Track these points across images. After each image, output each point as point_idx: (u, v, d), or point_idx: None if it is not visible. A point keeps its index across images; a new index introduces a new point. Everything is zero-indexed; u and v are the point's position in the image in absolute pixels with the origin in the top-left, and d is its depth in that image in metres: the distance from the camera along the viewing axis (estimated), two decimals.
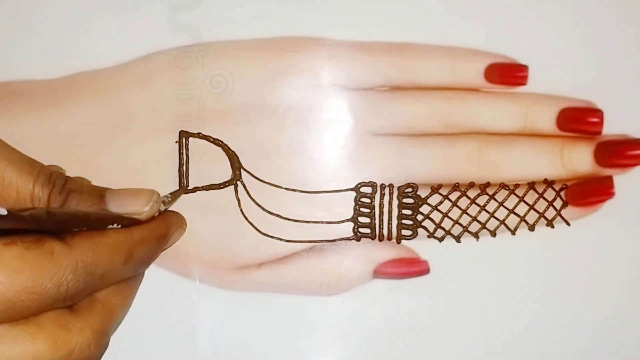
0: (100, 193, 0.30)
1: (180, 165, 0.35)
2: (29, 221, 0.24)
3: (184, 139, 0.35)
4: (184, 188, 0.35)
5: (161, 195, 0.31)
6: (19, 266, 0.23)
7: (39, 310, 0.24)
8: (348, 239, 0.36)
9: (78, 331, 0.25)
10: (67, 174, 0.33)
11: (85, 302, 0.27)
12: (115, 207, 0.29)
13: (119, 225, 0.28)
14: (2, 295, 0.23)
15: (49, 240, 0.25)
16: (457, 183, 0.35)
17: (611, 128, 0.35)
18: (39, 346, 0.24)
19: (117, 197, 0.30)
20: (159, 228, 0.31)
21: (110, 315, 0.28)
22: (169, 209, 0.33)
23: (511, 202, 0.35)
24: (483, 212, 0.35)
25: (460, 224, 0.35)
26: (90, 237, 0.26)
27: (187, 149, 0.35)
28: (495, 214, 0.35)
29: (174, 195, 0.34)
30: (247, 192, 0.35)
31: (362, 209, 0.35)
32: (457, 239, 0.35)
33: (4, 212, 0.22)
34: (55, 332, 0.25)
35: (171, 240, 0.33)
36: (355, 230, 0.36)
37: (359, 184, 0.35)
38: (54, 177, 0.29)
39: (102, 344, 0.27)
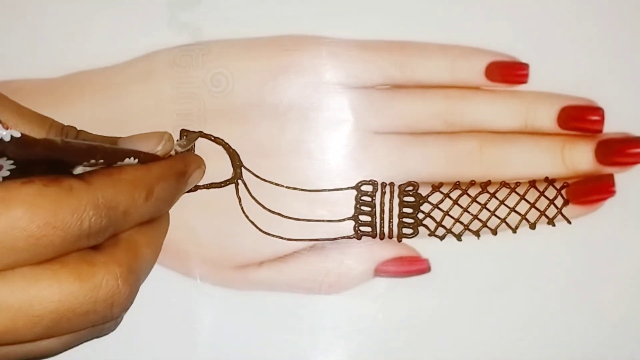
0: (112, 141, 0.30)
1: None
2: (43, 146, 0.23)
3: (184, 138, 0.35)
4: (199, 132, 0.35)
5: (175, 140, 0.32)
6: (38, 201, 0.23)
7: (63, 248, 0.24)
8: (349, 237, 0.36)
9: (102, 265, 0.25)
10: None
11: (109, 242, 0.26)
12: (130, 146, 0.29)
13: (136, 160, 0.28)
14: (24, 231, 0.23)
15: (67, 178, 0.24)
16: (458, 181, 0.35)
17: (612, 126, 0.35)
18: (64, 281, 0.24)
19: (129, 141, 0.30)
20: (177, 165, 0.31)
21: (136, 252, 0.28)
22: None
23: (512, 200, 0.35)
24: (484, 210, 0.35)
25: (461, 223, 0.35)
26: (109, 174, 0.26)
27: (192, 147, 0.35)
28: (496, 212, 0.35)
29: (189, 139, 0.34)
30: (248, 191, 0.35)
31: (363, 208, 0.35)
32: (458, 237, 0.35)
33: (18, 134, 0.22)
34: (79, 266, 0.24)
35: (191, 180, 0.33)
36: (356, 228, 0.36)
37: (360, 182, 0.35)
38: (66, 130, 0.29)
39: (130, 280, 0.26)
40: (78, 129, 0.31)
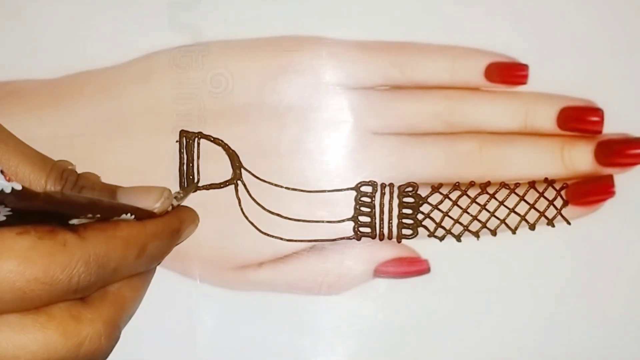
0: (112, 190, 0.30)
1: (181, 164, 0.35)
2: (43, 200, 0.23)
3: (184, 139, 0.35)
4: (195, 184, 0.35)
5: (172, 192, 0.31)
6: (31, 256, 0.23)
7: (50, 301, 0.24)
8: (348, 238, 0.36)
9: (89, 322, 0.25)
10: None
11: (96, 294, 0.27)
12: (127, 203, 0.29)
13: (132, 216, 0.28)
14: (13, 284, 0.23)
15: (62, 231, 0.24)
16: (458, 182, 0.35)
17: (611, 127, 0.35)
18: (49, 335, 0.24)
19: (128, 194, 0.30)
20: (172, 223, 0.31)
21: (122, 307, 0.28)
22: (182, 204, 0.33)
23: (512, 201, 0.35)
24: (483, 211, 0.35)
25: (460, 223, 0.35)
26: (104, 230, 0.26)
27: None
28: (495, 213, 0.35)
29: (186, 191, 0.34)
30: (248, 192, 0.35)
31: (363, 208, 0.35)
32: (458, 238, 0.35)
33: (19, 187, 0.22)
34: (65, 322, 0.25)
35: (184, 235, 0.33)
36: (356, 229, 0.36)
37: (360, 183, 0.35)
38: (66, 174, 0.29)
39: (113, 336, 0.26)
40: (78, 172, 0.31)
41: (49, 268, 0.23)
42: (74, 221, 0.25)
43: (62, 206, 0.24)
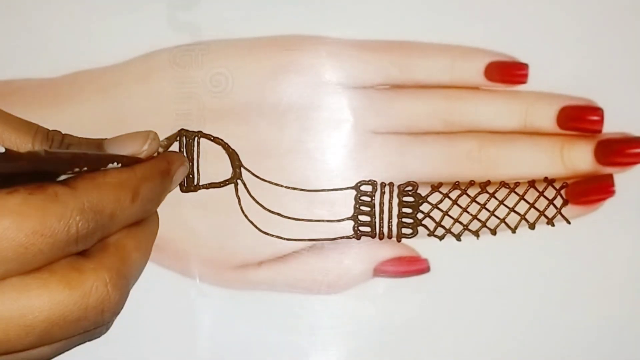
0: (98, 143, 0.30)
1: None
2: (27, 159, 0.23)
3: (184, 138, 0.35)
4: (179, 131, 0.35)
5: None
6: (25, 210, 0.23)
7: (52, 255, 0.24)
8: (348, 237, 0.36)
9: (91, 271, 0.25)
10: None
11: (97, 247, 0.26)
12: (115, 151, 0.29)
13: (119, 164, 0.28)
14: (12, 240, 0.23)
15: (52, 185, 0.24)
16: (458, 181, 0.35)
17: (611, 126, 0.35)
18: (53, 289, 0.24)
19: (115, 142, 0.30)
20: (161, 164, 0.31)
21: (125, 256, 0.28)
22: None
23: (511, 200, 0.35)
24: (483, 210, 0.35)
25: (460, 223, 0.35)
26: (93, 178, 0.26)
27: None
28: (495, 212, 0.35)
29: (169, 139, 0.35)
30: (248, 191, 0.35)
31: (363, 208, 0.35)
32: (458, 237, 0.35)
33: (2, 149, 0.22)
34: (68, 274, 0.24)
35: (175, 178, 0.33)
36: (356, 228, 0.36)
37: (359, 182, 0.35)
38: (51, 134, 0.29)
39: (119, 285, 0.26)
40: (63, 132, 0.31)
41: (45, 219, 0.23)
42: (62, 178, 0.25)
43: (48, 163, 0.24)
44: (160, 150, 0.32)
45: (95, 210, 0.25)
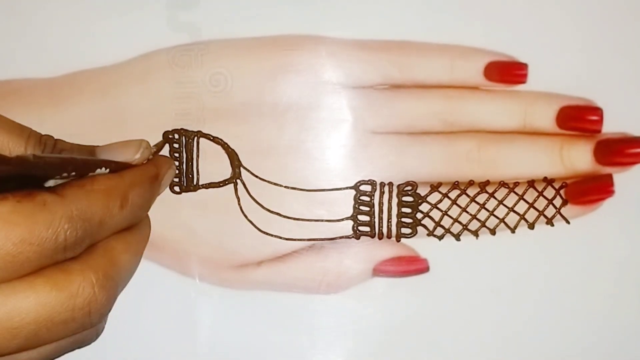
0: (91, 150, 0.30)
1: (180, 163, 0.35)
2: (16, 164, 0.23)
3: (183, 138, 0.35)
4: (164, 140, 0.35)
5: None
6: (13, 219, 0.23)
7: (40, 263, 0.24)
8: (348, 237, 0.36)
9: (78, 272, 0.25)
10: None
11: (85, 250, 0.26)
12: (107, 158, 0.29)
13: (107, 170, 0.28)
14: (0, 249, 0.23)
15: (40, 192, 0.24)
16: (457, 181, 0.35)
17: (611, 126, 0.35)
18: (40, 291, 0.24)
19: (108, 149, 0.30)
20: (149, 169, 0.31)
21: (112, 258, 0.27)
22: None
23: (511, 200, 0.35)
24: (483, 210, 0.35)
25: (459, 222, 0.35)
26: (82, 185, 0.26)
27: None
28: (494, 212, 0.35)
29: (157, 146, 0.34)
30: (247, 191, 0.35)
31: (362, 208, 0.35)
32: (457, 237, 0.35)
33: None
34: (54, 275, 0.24)
35: (164, 182, 0.32)
36: (355, 228, 0.36)
37: (359, 182, 0.35)
38: (44, 139, 0.29)
39: (107, 287, 0.26)
40: (58, 135, 0.31)
41: (33, 228, 0.23)
42: (50, 183, 0.25)
43: (36, 168, 0.24)
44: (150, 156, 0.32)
45: (83, 218, 0.25)
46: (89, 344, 0.28)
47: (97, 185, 0.26)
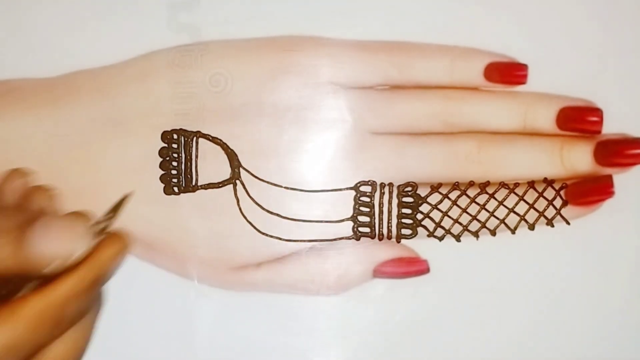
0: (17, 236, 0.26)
1: (179, 163, 0.35)
2: None
3: (182, 138, 0.35)
4: (123, 199, 0.30)
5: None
6: None
7: None
8: (348, 238, 0.35)
9: None
10: (66, 173, 0.33)
11: None
12: (39, 246, 0.26)
13: (37, 282, 0.25)
14: None
15: None
16: (457, 182, 0.35)
17: (611, 127, 0.35)
18: None
19: (39, 236, 0.26)
20: (88, 274, 0.26)
21: None
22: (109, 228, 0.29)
23: (511, 201, 0.35)
24: (483, 211, 0.35)
25: (460, 223, 0.35)
26: (12, 312, 0.24)
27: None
28: (495, 213, 0.35)
29: (114, 210, 0.29)
30: (246, 191, 0.35)
31: (362, 208, 0.35)
32: (457, 238, 0.35)
33: None
34: None
35: (110, 274, 0.28)
36: (355, 229, 0.35)
37: (359, 183, 0.35)
38: None
39: None
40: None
41: None
42: None
43: None
44: (101, 228, 0.28)
45: (11, 355, 0.24)
46: None
47: (27, 311, 0.24)
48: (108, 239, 0.27)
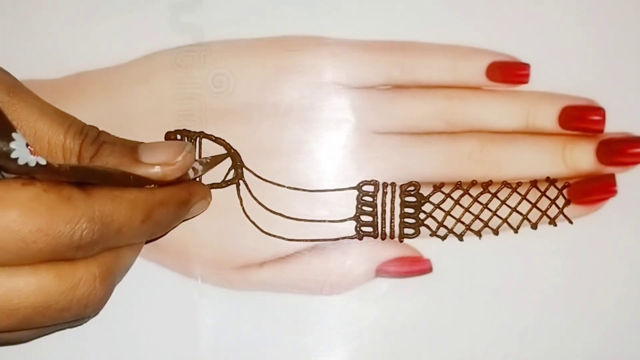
0: (133, 145, 0.30)
1: None
2: (66, 174, 0.23)
3: (185, 138, 0.35)
4: (226, 154, 0.35)
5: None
6: (35, 207, 0.23)
7: (50, 257, 0.24)
8: (350, 237, 0.35)
9: (83, 264, 0.25)
10: None
11: None
12: (148, 157, 0.29)
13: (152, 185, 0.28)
14: (15, 234, 0.23)
15: (69, 186, 0.24)
16: (460, 181, 0.35)
17: (613, 126, 0.35)
18: (43, 277, 0.24)
19: (150, 148, 0.30)
20: (181, 193, 0.31)
21: (117, 253, 0.27)
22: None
23: (514, 200, 0.35)
24: (485, 210, 0.35)
25: (462, 223, 0.35)
26: (111, 190, 0.26)
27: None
28: (497, 212, 0.35)
29: (214, 160, 0.34)
30: (249, 191, 0.35)
31: (365, 208, 0.35)
32: (460, 237, 0.35)
33: (44, 162, 0.22)
34: (59, 264, 0.24)
35: (193, 210, 0.32)
36: (358, 229, 0.35)
37: (361, 182, 0.35)
38: (86, 130, 0.29)
39: (107, 282, 0.26)
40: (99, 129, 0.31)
41: (52, 220, 0.23)
42: None
43: (61, 176, 0.24)
44: (198, 167, 0.33)
45: (103, 222, 0.25)
46: (78, 326, 0.28)
47: (126, 194, 0.26)
48: (198, 183, 0.33)
